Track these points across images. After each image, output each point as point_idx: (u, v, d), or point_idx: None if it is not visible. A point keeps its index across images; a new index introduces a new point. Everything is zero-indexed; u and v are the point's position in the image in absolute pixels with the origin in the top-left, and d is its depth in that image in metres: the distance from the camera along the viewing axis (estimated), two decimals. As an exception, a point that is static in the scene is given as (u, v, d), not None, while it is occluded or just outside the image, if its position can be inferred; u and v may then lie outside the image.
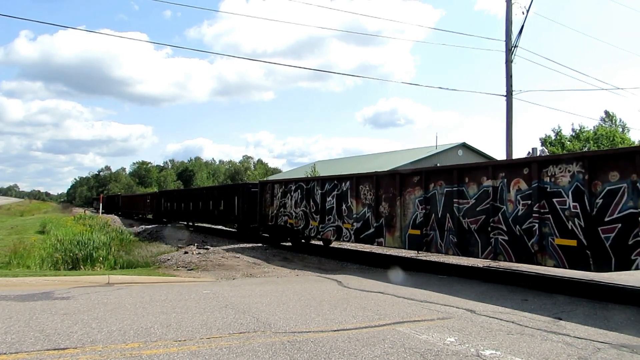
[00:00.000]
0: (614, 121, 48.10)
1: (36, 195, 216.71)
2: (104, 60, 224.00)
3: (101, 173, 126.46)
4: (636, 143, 37.39)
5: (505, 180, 9.32)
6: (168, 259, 14.26)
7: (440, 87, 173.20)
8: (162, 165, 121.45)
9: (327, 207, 14.40)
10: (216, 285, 9.16)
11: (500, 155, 44.04)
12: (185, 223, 30.06)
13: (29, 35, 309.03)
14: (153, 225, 31.94)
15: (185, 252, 14.98)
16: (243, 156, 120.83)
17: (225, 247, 16.55)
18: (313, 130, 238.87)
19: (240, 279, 10.67)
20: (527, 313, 6.69)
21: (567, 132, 40.98)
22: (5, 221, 41.81)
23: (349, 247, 17.12)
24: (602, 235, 7.70)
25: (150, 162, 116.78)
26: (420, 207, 11.16)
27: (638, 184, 7.32)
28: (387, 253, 15.31)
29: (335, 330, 5.55)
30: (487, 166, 10.00)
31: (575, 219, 8.06)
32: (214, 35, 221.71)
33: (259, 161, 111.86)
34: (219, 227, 27.87)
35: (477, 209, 9.80)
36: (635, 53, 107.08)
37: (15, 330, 5.22)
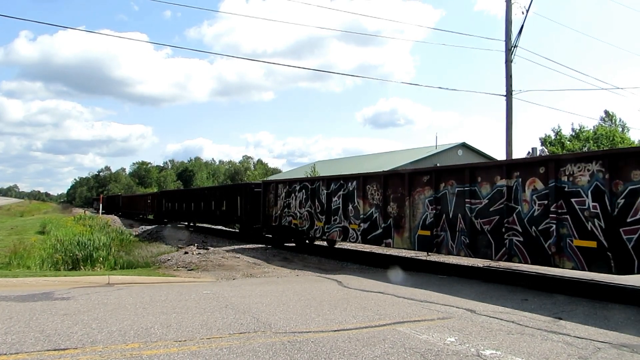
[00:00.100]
0: (613, 121, 48.11)
1: (36, 196, 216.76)
2: (104, 60, 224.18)
3: (101, 173, 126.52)
4: (636, 143, 37.41)
5: (520, 179, 9.05)
6: (168, 259, 14.27)
7: (440, 87, 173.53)
8: (162, 165, 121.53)
9: (333, 208, 14.18)
10: (216, 286, 9.16)
11: (500, 155, 44.05)
12: (187, 224, 29.88)
13: (29, 36, 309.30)
14: (153, 226, 31.90)
15: (186, 253, 14.99)
16: (243, 156, 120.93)
17: (226, 248, 16.55)
18: (313, 130, 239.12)
19: (240, 279, 10.67)
20: (527, 313, 6.69)
21: (567, 132, 41.04)
22: (5, 222, 41.81)
23: (349, 247, 17.11)
24: (624, 237, 7.40)
25: (150, 163, 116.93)
26: (430, 208, 10.91)
27: None
28: (387, 253, 15.31)
29: (335, 330, 5.55)
30: (501, 165, 9.70)
31: (595, 219, 7.78)
32: (213, 36, 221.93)
33: (259, 161, 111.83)
34: (221, 227, 27.70)
35: (491, 209, 9.53)
36: (635, 53, 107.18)
37: (16, 331, 5.22)
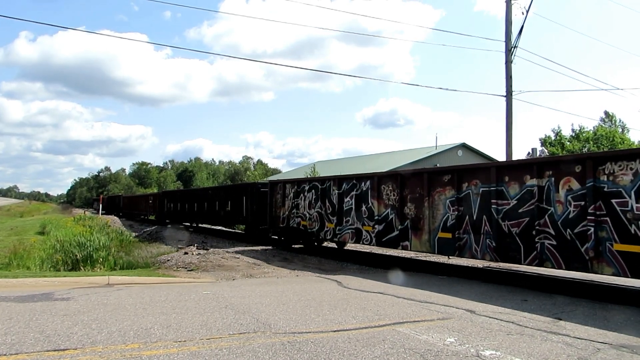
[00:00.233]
0: (613, 121, 48.12)
1: (36, 196, 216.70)
2: (104, 61, 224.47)
3: (101, 174, 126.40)
4: (636, 144, 37.40)
5: (553, 179, 8.51)
6: (168, 260, 14.26)
7: (440, 88, 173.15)
8: (162, 165, 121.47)
9: (345, 208, 13.74)
10: (216, 286, 9.16)
11: (500, 155, 44.07)
12: (189, 224, 29.47)
13: (29, 36, 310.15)
14: (154, 227, 31.82)
15: (185, 253, 14.97)
16: (243, 157, 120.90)
17: (227, 249, 16.55)
18: (313, 130, 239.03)
19: (240, 279, 10.67)
20: (527, 313, 6.70)
21: (566, 133, 40.97)
22: (5, 222, 41.80)
23: (349, 248, 17.06)
24: None
25: (150, 163, 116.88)
26: (451, 209, 10.41)
27: None
28: (387, 253, 15.31)
29: (335, 331, 5.55)
30: (532, 164, 9.14)
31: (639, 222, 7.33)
32: (213, 36, 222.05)
33: (259, 162, 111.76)
34: (225, 229, 27.39)
35: (520, 210, 9.02)
36: (635, 53, 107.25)
37: (15, 331, 5.22)
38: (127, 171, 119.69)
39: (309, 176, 24.21)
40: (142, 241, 22.99)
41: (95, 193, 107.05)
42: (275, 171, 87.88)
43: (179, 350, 4.67)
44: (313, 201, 15.27)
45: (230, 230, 27.22)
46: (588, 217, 7.92)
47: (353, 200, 13.47)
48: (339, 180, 14.28)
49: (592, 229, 7.84)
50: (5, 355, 4.44)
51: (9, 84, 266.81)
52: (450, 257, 12.25)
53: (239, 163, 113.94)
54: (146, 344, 4.87)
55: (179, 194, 34.27)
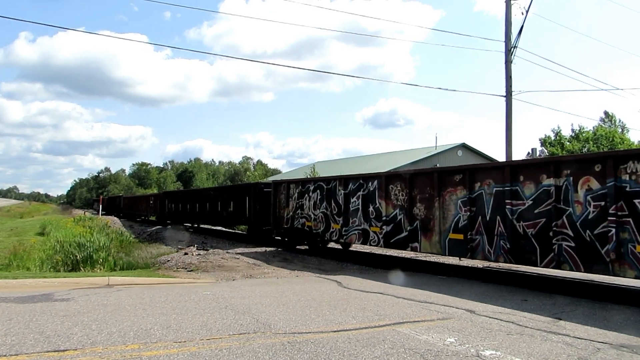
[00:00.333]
0: (613, 121, 48.15)
1: (36, 197, 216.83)
2: (104, 61, 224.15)
3: (101, 174, 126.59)
4: (636, 144, 37.41)
5: (571, 178, 8.23)
6: (168, 260, 14.27)
7: (439, 88, 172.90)
8: (161, 166, 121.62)
9: (352, 209, 13.46)
10: (216, 287, 9.16)
11: (499, 155, 44.09)
12: (190, 225, 29.25)
13: (29, 37, 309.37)
14: (155, 227, 31.78)
15: (185, 254, 14.98)
16: (243, 157, 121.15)
17: (229, 250, 16.54)
18: (313, 130, 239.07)
19: (240, 280, 10.67)
20: (526, 313, 6.70)
21: (566, 133, 41.00)
22: (5, 223, 41.82)
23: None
24: None
25: (150, 164, 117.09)
26: (463, 209, 10.14)
27: None
28: (387, 254, 15.31)
29: (335, 331, 5.55)
30: (548, 163, 8.87)
31: None
32: (213, 36, 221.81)
33: (259, 162, 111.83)
34: (227, 230, 27.19)
35: (536, 211, 8.74)
36: (635, 53, 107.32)
37: (15, 332, 5.22)
38: (127, 172, 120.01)
39: (308, 176, 24.18)
40: (142, 242, 23.00)
41: (95, 194, 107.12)
42: (275, 171, 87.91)
43: (179, 351, 4.67)
44: (318, 201, 15.03)
45: (230, 231, 27.15)
46: (609, 218, 7.65)
47: (360, 200, 13.23)
48: (345, 180, 14.04)
49: (614, 230, 7.57)
50: (5, 356, 4.44)
51: (9, 84, 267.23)
52: (461, 258, 11.99)
53: (239, 163, 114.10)
54: (146, 345, 4.87)
55: (180, 194, 33.94)
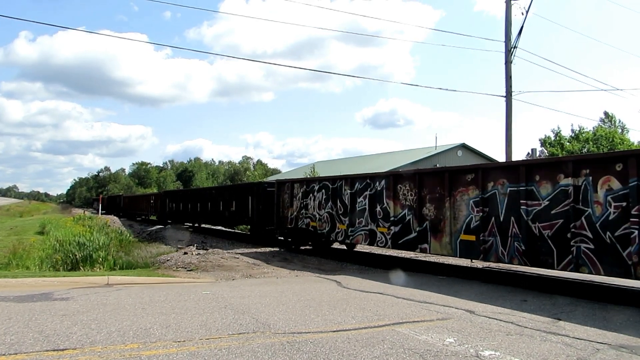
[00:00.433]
0: (613, 122, 48.16)
1: (35, 196, 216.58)
2: (104, 61, 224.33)
3: (100, 174, 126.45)
4: (636, 144, 37.41)
5: (591, 178, 7.93)
6: (167, 260, 14.26)
7: (439, 88, 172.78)
8: (161, 166, 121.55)
9: (358, 209, 13.22)
10: (215, 286, 9.16)
11: (499, 156, 44.09)
12: (191, 224, 29.06)
13: (29, 36, 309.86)
14: (155, 227, 31.72)
15: (185, 253, 14.98)
16: (242, 157, 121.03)
17: (229, 250, 16.53)
18: (313, 130, 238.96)
19: (239, 279, 10.67)
20: (526, 314, 6.70)
21: (566, 133, 41.01)
22: (4, 222, 41.78)
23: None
24: None
25: (149, 163, 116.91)
26: (475, 210, 9.88)
27: None
28: (387, 254, 15.32)
29: (334, 331, 5.55)
30: (566, 162, 8.49)
31: None
32: (213, 36, 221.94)
33: (259, 162, 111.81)
34: (228, 229, 27.03)
35: (552, 212, 8.45)
36: (635, 53, 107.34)
37: (15, 331, 5.22)
38: (127, 171, 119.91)
39: (308, 176, 24.17)
40: (141, 241, 22.99)
41: (94, 193, 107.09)
42: (275, 171, 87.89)
43: (178, 351, 4.67)
44: (323, 201, 14.82)
45: (230, 230, 27.08)
46: (631, 219, 7.37)
47: (367, 200, 12.98)
48: (351, 179, 13.83)
49: (636, 232, 7.29)
50: (4, 355, 4.44)
51: (9, 84, 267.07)
52: (473, 260, 11.66)
53: (239, 163, 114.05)
54: (145, 344, 4.87)
55: (182, 193, 33.58)
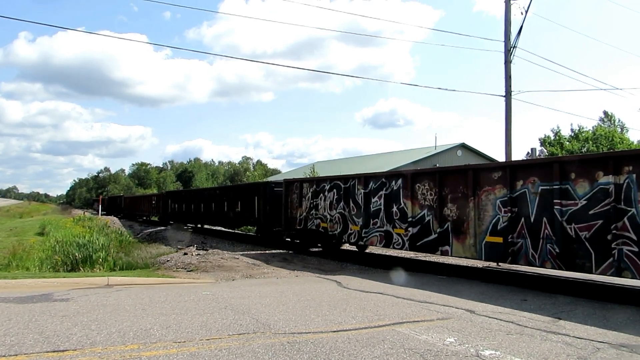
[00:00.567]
0: (612, 121, 48.16)
1: (35, 197, 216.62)
2: (104, 61, 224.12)
3: (100, 174, 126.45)
4: (635, 143, 37.43)
5: (634, 175, 7.36)
6: (167, 260, 14.26)
7: (439, 88, 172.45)
8: (161, 166, 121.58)
9: (373, 209, 12.71)
10: (215, 287, 9.16)
11: (499, 155, 44.08)
12: (194, 225, 28.61)
13: (28, 37, 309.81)
14: (156, 227, 31.64)
15: (185, 254, 14.98)
16: (242, 157, 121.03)
17: (229, 251, 16.53)
18: (313, 131, 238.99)
19: (239, 280, 10.66)
20: (526, 313, 6.70)
21: (566, 133, 41.02)
22: (4, 223, 41.79)
23: (348, 248, 17.01)
24: None
25: (149, 164, 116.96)
26: (503, 210, 9.33)
27: None
28: (387, 254, 15.32)
29: (334, 331, 5.55)
30: (606, 158, 7.91)
31: None
32: (213, 37, 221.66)
33: (259, 162, 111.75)
34: (233, 231, 26.61)
35: (590, 212, 7.91)
36: (635, 53, 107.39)
37: (15, 332, 5.22)
38: (127, 172, 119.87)
39: (308, 176, 24.14)
40: (141, 242, 22.98)
41: (94, 194, 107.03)
42: (275, 171, 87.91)
43: (178, 351, 4.67)
44: (335, 201, 14.29)
45: (231, 231, 26.97)
46: None
47: (382, 200, 12.44)
48: (365, 178, 13.24)
49: None
50: (4, 356, 4.44)
51: (9, 84, 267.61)
52: (499, 264, 11.17)
53: (239, 163, 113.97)
54: (146, 345, 4.87)
55: (184, 194, 32.84)
